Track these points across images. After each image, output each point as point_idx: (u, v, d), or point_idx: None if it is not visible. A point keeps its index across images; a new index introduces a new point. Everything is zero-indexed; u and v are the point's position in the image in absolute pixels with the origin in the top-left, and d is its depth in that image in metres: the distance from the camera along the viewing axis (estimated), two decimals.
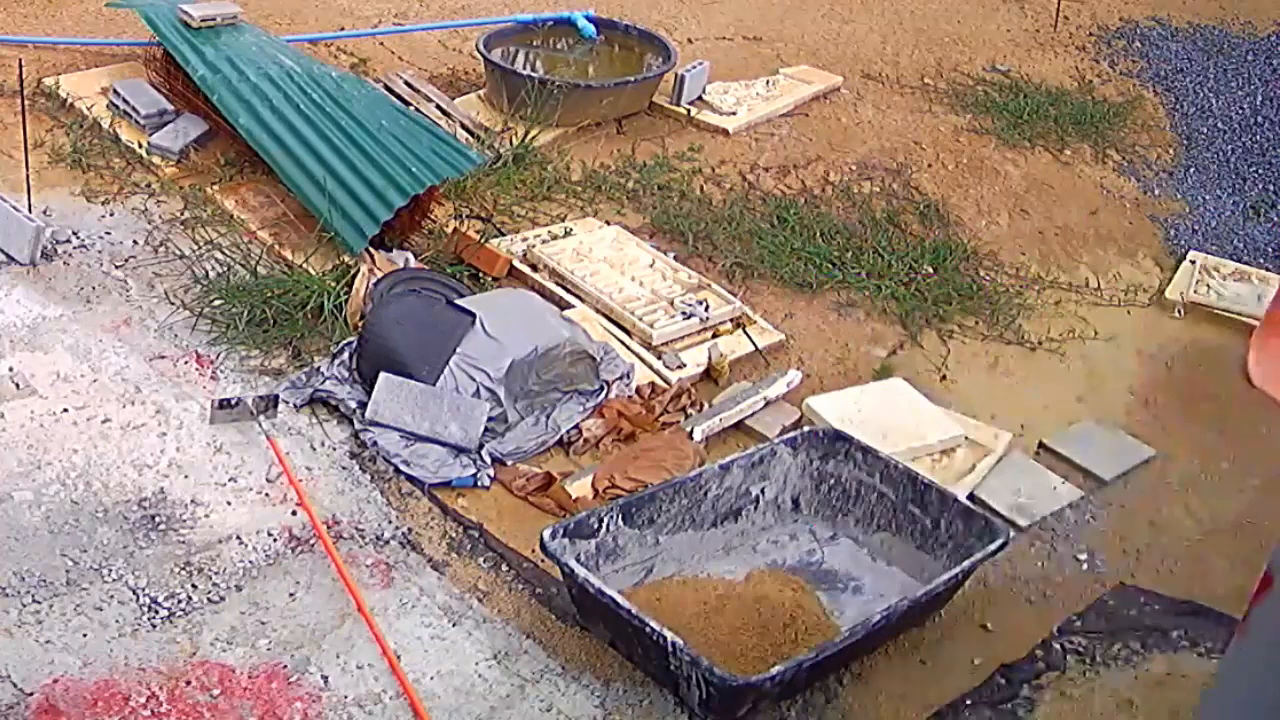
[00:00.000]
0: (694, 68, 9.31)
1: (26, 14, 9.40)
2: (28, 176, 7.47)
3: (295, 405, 6.48)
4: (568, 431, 6.55)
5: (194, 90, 8.09)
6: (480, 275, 7.41)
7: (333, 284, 7.08)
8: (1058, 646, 5.75)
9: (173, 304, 7.06)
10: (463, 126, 8.55)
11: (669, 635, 5.07)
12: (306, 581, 5.60)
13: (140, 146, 8.07)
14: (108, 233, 7.49)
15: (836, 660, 5.34)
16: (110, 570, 5.50)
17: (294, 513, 5.88)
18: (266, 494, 5.98)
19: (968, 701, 5.44)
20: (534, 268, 7.53)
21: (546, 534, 5.47)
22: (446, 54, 9.74)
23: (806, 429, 6.35)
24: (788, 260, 7.95)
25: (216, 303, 7.03)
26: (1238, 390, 7.43)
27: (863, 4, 11.11)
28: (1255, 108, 10.20)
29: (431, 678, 5.25)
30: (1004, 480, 6.55)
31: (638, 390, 6.83)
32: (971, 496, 6.35)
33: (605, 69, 9.55)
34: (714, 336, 7.28)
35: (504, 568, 5.81)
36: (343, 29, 9.79)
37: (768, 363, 7.24)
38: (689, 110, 9.18)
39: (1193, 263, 8.41)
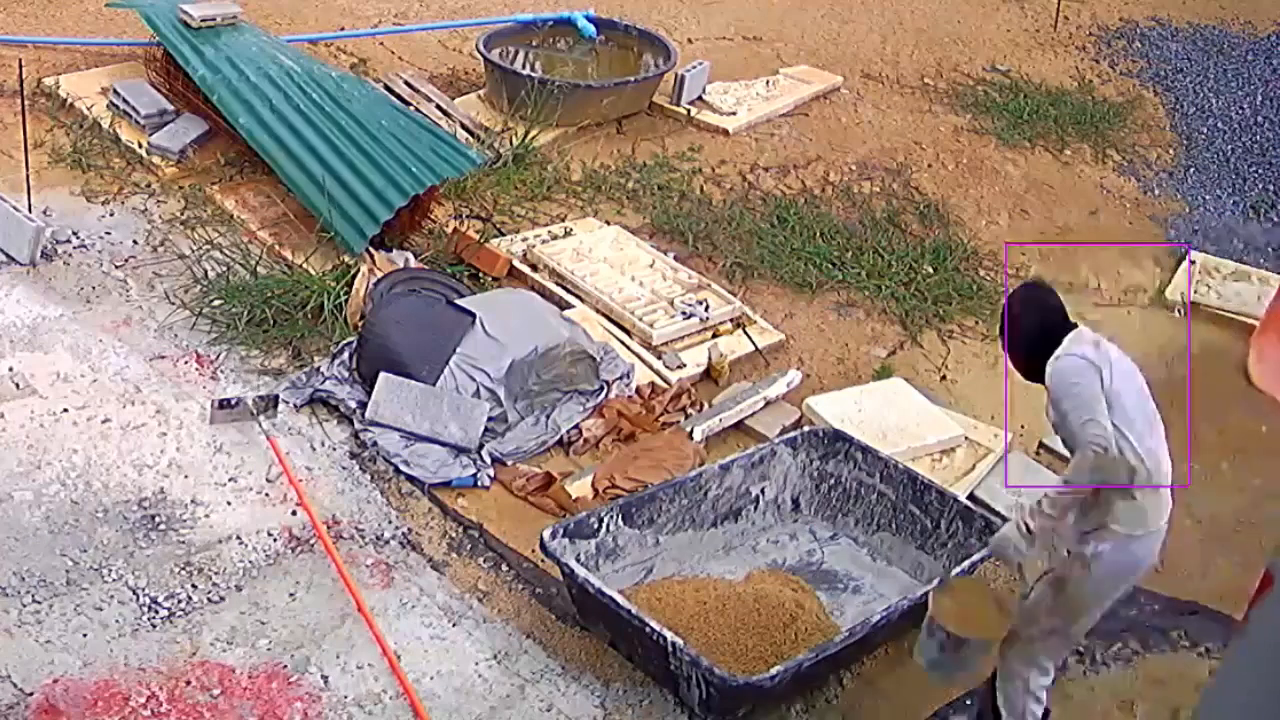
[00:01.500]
0: (694, 68, 9.31)
1: (26, 14, 9.40)
2: (28, 176, 7.47)
3: (295, 405, 6.48)
4: (568, 431, 6.55)
5: (194, 90, 8.09)
6: (480, 275, 7.40)
7: (333, 284, 7.08)
8: None
9: (173, 304, 7.06)
10: (463, 126, 8.55)
11: (669, 635, 5.07)
12: (306, 581, 5.59)
13: (140, 146, 8.07)
14: (108, 233, 7.49)
15: (836, 660, 5.34)
16: (110, 570, 5.50)
17: (294, 513, 5.88)
18: (266, 494, 5.98)
19: (967, 702, 5.43)
20: (534, 268, 7.53)
21: (546, 534, 5.47)
22: (446, 54, 9.74)
23: (806, 429, 6.35)
24: (788, 260, 7.95)
25: (216, 303, 7.02)
26: (1238, 390, 7.43)
27: (863, 4, 11.11)
28: (1255, 108, 10.21)
29: (431, 678, 5.25)
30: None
31: (638, 390, 6.83)
32: (971, 496, 6.35)
33: (605, 69, 9.55)
34: (714, 336, 7.27)
35: (504, 568, 5.82)
36: (343, 29, 9.79)
37: (768, 363, 7.24)
38: (689, 110, 9.19)
39: (1193, 263, 8.41)
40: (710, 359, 7.10)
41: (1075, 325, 4.79)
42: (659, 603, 5.43)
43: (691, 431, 6.57)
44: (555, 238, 7.79)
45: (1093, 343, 4.72)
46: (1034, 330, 4.76)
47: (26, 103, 7.78)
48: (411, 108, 8.43)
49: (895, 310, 7.71)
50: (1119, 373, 4.66)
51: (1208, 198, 9.21)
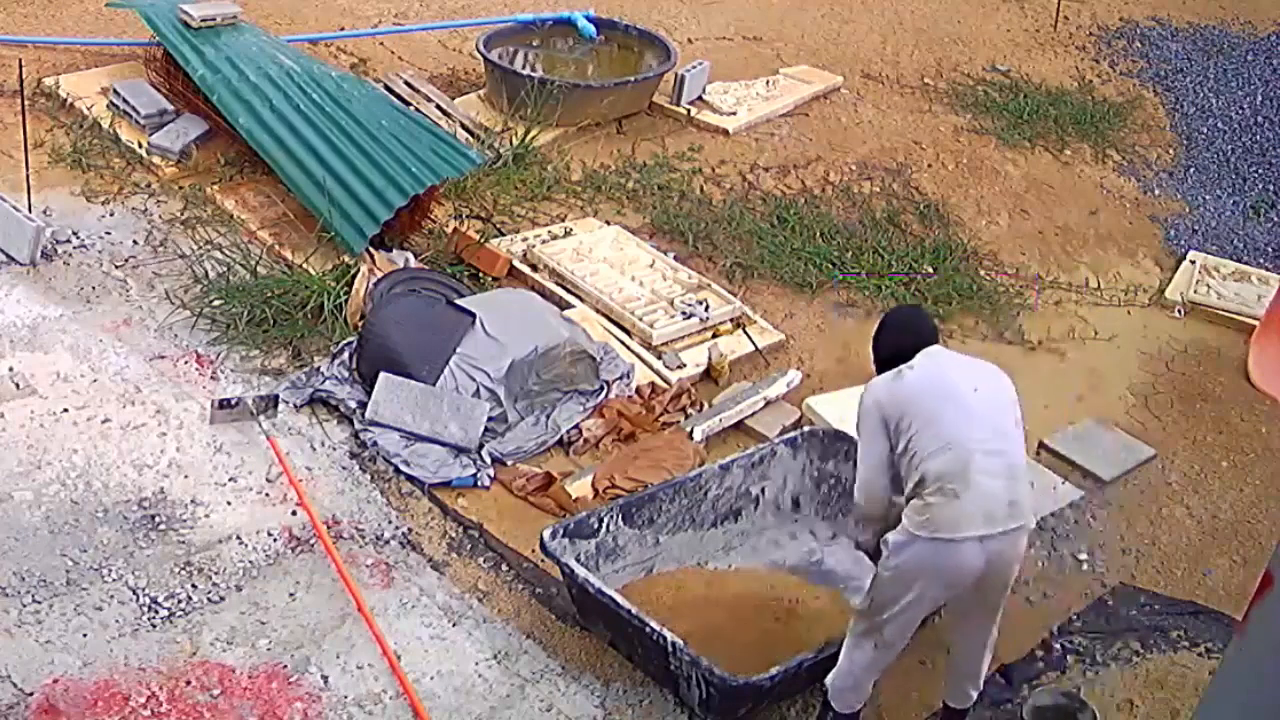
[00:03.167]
0: (694, 68, 9.30)
1: (26, 14, 9.40)
2: (28, 176, 7.47)
3: (295, 405, 6.48)
4: (568, 431, 6.55)
5: (194, 90, 8.09)
6: (480, 275, 7.40)
7: (333, 284, 7.09)
8: (1058, 646, 5.75)
9: (173, 304, 7.06)
10: (463, 126, 8.55)
11: (669, 635, 5.07)
12: (306, 581, 5.59)
13: (140, 146, 8.07)
14: (108, 233, 7.49)
15: (836, 660, 5.33)
16: (110, 570, 5.50)
17: (294, 513, 5.88)
18: (266, 494, 5.98)
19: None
20: (534, 268, 7.53)
21: (546, 534, 5.47)
22: (446, 54, 9.74)
23: (806, 429, 6.35)
24: (788, 260, 7.95)
25: (216, 303, 7.03)
26: (1238, 390, 7.43)
27: (863, 4, 11.11)
28: (1255, 108, 10.20)
29: (431, 678, 5.25)
30: None
31: (638, 390, 6.83)
32: None
33: (605, 69, 9.55)
34: (714, 336, 7.27)
35: (504, 568, 5.82)
36: (343, 29, 9.79)
37: (768, 363, 7.23)
38: (689, 110, 9.18)
39: (1193, 263, 8.41)
40: (710, 359, 7.10)
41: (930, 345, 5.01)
42: (657, 598, 5.43)
43: (691, 431, 6.57)
44: (555, 238, 7.79)
45: (909, 367, 4.94)
46: (888, 349, 5.08)
47: (26, 103, 7.79)
48: (411, 108, 8.44)
49: None
50: (928, 389, 4.87)
51: (1208, 198, 9.21)
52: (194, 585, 5.50)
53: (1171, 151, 9.66)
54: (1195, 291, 8.12)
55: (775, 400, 6.83)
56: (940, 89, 9.96)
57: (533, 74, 8.95)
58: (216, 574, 5.57)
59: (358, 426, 6.38)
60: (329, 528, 5.82)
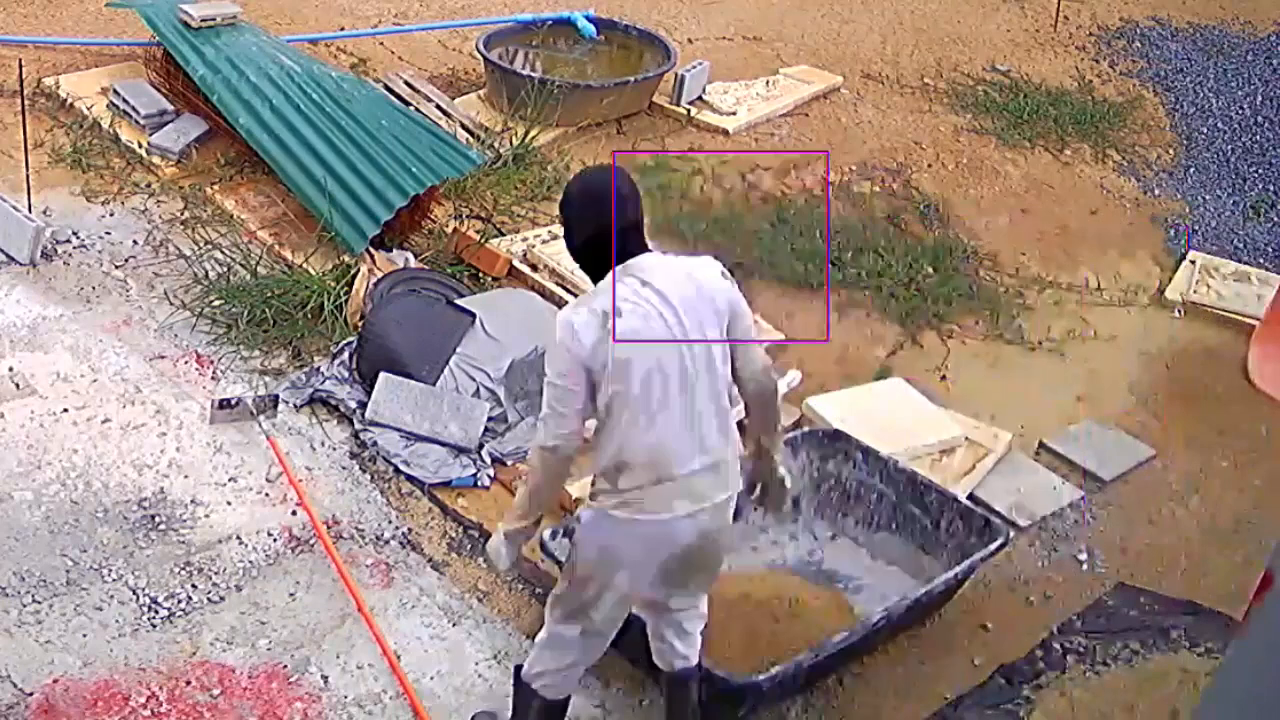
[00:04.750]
0: (694, 68, 9.30)
1: (26, 14, 9.40)
2: (28, 176, 7.47)
3: (295, 405, 6.48)
4: None
5: (194, 90, 8.09)
6: (480, 275, 7.40)
7: (333, 284, 7.08)
8: (1058, 646, 5.75)
9: (173, 304, 7.06)
10: (463, 126, 8.55)
11: None
12: (306, 581, 5.60)
13: (140, 146, 8.07)
14: (108, 233, 7.49)
15: (836, 660, 5.34)
16: (110, 570, 5.50)
17: (294, 513, 5.88)
18: (266, 494, 5.98)
19: (967, 701, 5.44)
20: (534, 268, 7.53)
21: (546, 534, 5.47)
22: (446, 54, 9.74)
23: (806, 429, 6.34)
24: (788, 260, 7.95)
25: (216, 303, 7.03)
26: (1238, 390, 7.42)
27: (863, 4, 11.11)
28: (1255, 108, 10.20)
29: (431, 678, 5.25)
30: (1004, 480, 6.55)
31: None
32: (971, 496, 6.35)
33: (605, 69, 9.54)
34: None
35: None
36: (343, 29, 9.79)
37: None
38: (689, 110, 9.18)
39: (1193, 263, 8.40)
40: None
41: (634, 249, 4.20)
42: None
43: None
44: (555, 238, 7.77)
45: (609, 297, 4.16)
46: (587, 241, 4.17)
47: (26, 103, 7.79)
48: (411, 108, 8.43)
49: (895, 310, 7.71)
50: (634, 347, 4.23)
51: (1208, 198, 9.21)
52: (194, 585, 5.50)
53: (1171, 151, 9.66)
54: (1195, 291, 8.12)
55: None
56: (940, 89, 9.96)
57: (533, 74, 8.95)
58: (216, 574, 5.57)
59: (358, 426, 6.38)
60: (329, 528, 5.82)
